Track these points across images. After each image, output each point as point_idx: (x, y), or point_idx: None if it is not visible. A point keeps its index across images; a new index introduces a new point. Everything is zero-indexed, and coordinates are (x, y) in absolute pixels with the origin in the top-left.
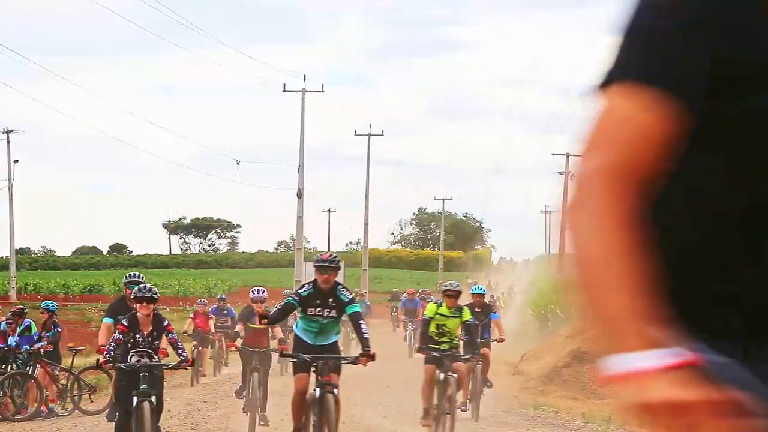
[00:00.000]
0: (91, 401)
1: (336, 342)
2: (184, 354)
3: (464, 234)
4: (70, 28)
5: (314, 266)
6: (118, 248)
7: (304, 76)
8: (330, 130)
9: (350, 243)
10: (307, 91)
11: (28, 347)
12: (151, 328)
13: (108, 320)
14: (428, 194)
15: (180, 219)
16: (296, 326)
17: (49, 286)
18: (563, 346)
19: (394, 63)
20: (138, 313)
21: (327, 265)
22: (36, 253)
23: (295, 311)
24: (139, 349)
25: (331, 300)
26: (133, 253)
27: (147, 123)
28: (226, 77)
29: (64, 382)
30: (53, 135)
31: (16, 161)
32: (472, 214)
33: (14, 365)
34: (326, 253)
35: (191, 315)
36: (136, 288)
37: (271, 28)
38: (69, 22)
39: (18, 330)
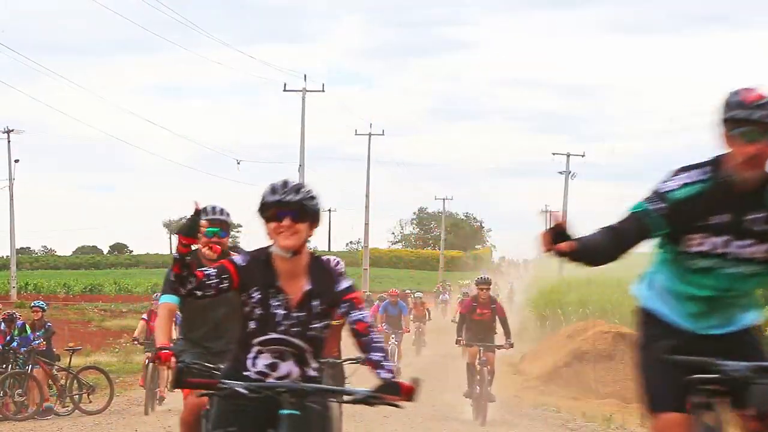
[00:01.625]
0: (90, 401)
1: (749, 330)
2: (389, 365)
3: (465, 234)
4: (69, 27)
5: (725, 120)
6: (118, 248)
7: (305, 76)
8: (330, 130)
9: (350, 243)
10: (307, 91)
11: (24, 347)
12: (308, 287)
13: (169, 300)
14: (428, 194)
15: (180, 218)
16: (645, 287)
17: (50, 286)
18: (563, 346)
19: (394, 63)
20: (274, 251)
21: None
22: (36, 253)
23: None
24: (279, 338)
25: (757, 215)
26: (134, 253)
27: (147, 123)
28: (227, 77)
29: (63, 381)
30: (53, 135)
31: (16, 161)
32: (472, 214)
33: (14, 365)
34: None
35: (143, 316)
36: (268, 188)
37: (271, 27)
38: (69, 21)
39: (13, 333)
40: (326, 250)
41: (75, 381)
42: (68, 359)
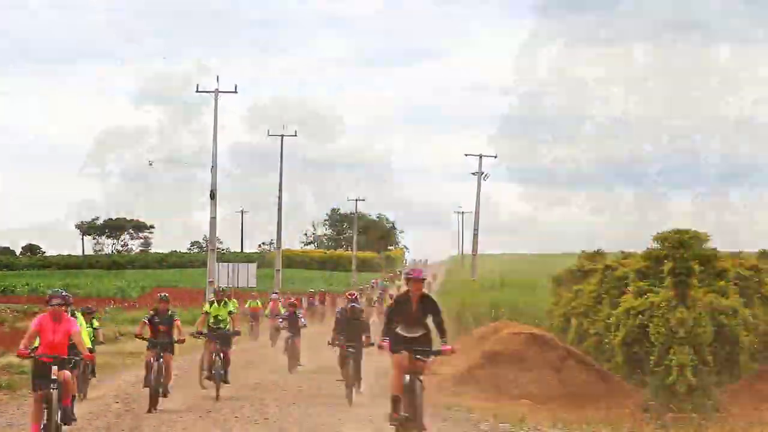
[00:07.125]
0: None
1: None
2: None
3: (377, 235)
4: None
5: None
6: (31, 249)
7: (217, 77)
8: (244, 132)
9: (263, 244)
10: (220, 92)
11: None
12: None
13: None
14: (342, 195)
15: (93, 219)
16: None
17: None
18: (475, 348)
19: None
20: None
21: None
22: None
23: None
24: None
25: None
26: (46, 254)
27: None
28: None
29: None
30: None
31: None
32: (384, 215)
33: None
34: None
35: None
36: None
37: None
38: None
39: None
40: (239, 251)
41: None
42: None
